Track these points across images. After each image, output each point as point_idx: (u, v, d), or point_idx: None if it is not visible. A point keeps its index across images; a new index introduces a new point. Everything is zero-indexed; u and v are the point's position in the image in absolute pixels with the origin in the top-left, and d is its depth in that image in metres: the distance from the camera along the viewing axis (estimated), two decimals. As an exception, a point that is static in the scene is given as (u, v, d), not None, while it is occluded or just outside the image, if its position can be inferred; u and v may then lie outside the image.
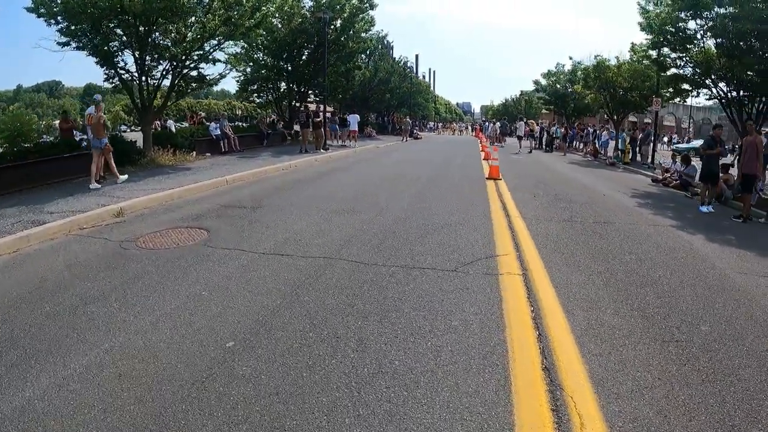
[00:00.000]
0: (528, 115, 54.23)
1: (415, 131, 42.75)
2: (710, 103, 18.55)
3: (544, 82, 39.62)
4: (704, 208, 11.15)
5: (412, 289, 5.03)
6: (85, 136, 14.23)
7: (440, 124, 74.76)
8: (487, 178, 14.40)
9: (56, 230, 7.65)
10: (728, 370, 3.64)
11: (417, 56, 52.69)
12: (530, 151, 29.27)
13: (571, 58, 47.54)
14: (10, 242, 6.90)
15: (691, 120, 58.95)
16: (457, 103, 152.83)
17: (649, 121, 28.10)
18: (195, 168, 14.62)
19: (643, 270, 5.95)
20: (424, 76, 62.95)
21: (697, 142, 42.28)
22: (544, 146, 32.31)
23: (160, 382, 3.36)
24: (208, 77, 16.11)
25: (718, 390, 3.36)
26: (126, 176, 11.77)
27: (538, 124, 37.05)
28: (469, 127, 78.72)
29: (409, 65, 49.91)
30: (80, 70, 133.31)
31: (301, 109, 24.33)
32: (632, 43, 25.75)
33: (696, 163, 15.51)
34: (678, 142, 45.82)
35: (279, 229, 7.69)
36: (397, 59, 46.34)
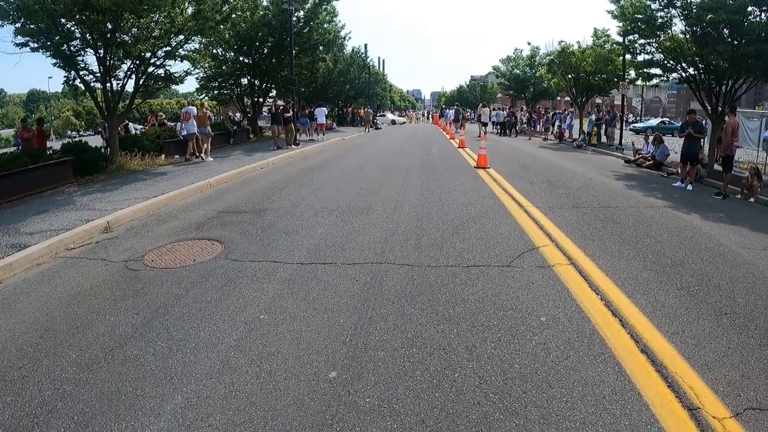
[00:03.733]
0: (484, 100, 54.34)
1: (376, 121, 42.11)
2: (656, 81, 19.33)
3: (503, 68, 39.65)
4: (679, 184, 12.00)
5: (481, 288, 4.82)
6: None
7: (396, 113, 74.11)
8: (475, 167, 14.15)
9: (41, 254, 6.62)
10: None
11: (366, 45, 51.81)
12: (499, 135, 29.13)
13: (529, 44, 48.03)
14: (-9, 273, 5.89)
15: (641, 99, 60.63)
16: (408, 91, 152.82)
17: (618, 103, 28.40)
18: (170, 172, 13.49)
19: (666, 251, 6.15)
20: (374, 65, 62.29)
21: (654, 121, 43.50)
22: (507, 131, 32.51)
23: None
24: (174, 75, 14.94)
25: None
26: (212, 158, 16.42)
27: (494, 110, 37.09)
28: (426, 115, 78.47)
29: (360, 54, 48.99)
30: (22, 76, 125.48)
31: (280, 106, 23.22)
32: (595, 28, 26.32)
33: (667, 143, 16.09)
34: (634, 122, 46.88)
35: (301, 234, 7.00)
36: (353, 49, 45.45)
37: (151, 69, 14.10)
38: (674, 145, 18.21)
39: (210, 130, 16.85)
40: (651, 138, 16.98)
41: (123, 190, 10.72)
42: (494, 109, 36.14)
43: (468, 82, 78.47)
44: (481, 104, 35.23)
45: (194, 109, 16.89)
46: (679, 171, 12.80)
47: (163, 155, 16.37)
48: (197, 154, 16.53)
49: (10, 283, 5.75)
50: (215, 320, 4.26)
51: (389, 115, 59.14)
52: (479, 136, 24.15)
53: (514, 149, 21.30)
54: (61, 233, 7.30)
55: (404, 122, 59.44)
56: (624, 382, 3.24)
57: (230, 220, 8.10)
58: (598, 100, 32.79)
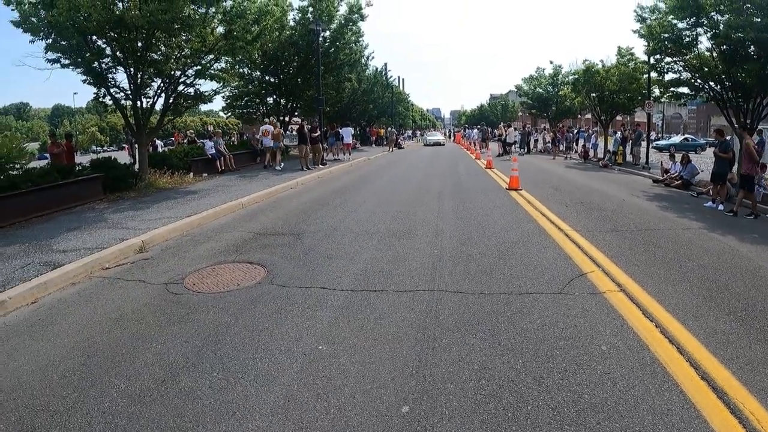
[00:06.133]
0: (505, 119, 54.16)
1: (399, 141, 42.10)
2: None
3: (525, 87, 39.51)
4: (710, 204, 11.79)
5: (538, 317, 4.71)
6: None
7: (419, 132, 73.80)
8: (508, 189, 13.89)
9: (77, 273, 6.45)
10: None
11: (385, 64, 51.82)
12: (522, 154, 29.19)
13: (551, 62, 47.88)
14: (27, 292, 5.67)
15: (662, 116, 59.95)
16: (427, 110, 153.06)
17: (642, 121, 28.07)
18: (200, 190, 13.41)
19: (709, 275, 6.02)
20: (394, 84, 62.53)
21: (677, 138, 42.90)
22: (529, 150, 32.51)
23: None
24: (204, 94, 14.96)
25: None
26: (282, 165, 19.59)
27: (516, 129, 37.01)
28: (447, 134, 77.23)
29: (383, 73, 49.24)
30: (48, 91, 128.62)
31: (307, 125, 23.35)
32: (618, 46, 26.10)
33: (695, 162, 15.79)
34: (657, 139, 46.24)
35: (345, 259, 6.77)
36: (376, 69, 45.71)
37: (181, 87, 14.13)
38: (700, 163, 17.92)
39: (282, 144, 20.17)
40: (678, 157, 16.68)
41: (155, 208, 10.61)
42: (515, 129, 36.02)
43: (488, 101, 78.25)
44: (503, 124, 35.07)
45: (271, 127, 20.75)
46: (710, 191, 12.54)
47: (191, 173, 16.35)
48: (270, 163, 20.13)
49: (45, 302, 5.58)
50: (271, 350, 4.01)
51: (436, 135, 56.18)
52: (499, 155, 23.96)
53: (541, 170, 21.00)
54: (95, 252, 7.16)
55: (440, 140, 51.74)
56: (690, 411, 3.22)
57: (269, 242, 7.89)
58: (618, 118, 32.30)
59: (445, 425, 3.02)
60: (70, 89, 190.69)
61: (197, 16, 12.33)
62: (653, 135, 50.19)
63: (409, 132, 60.93)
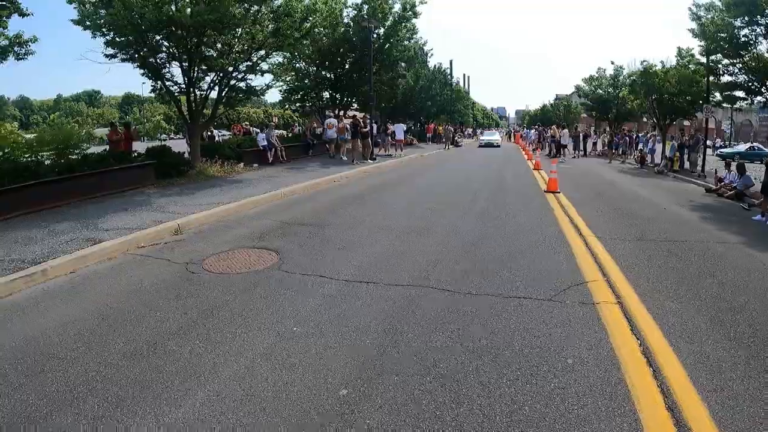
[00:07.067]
0: (567, 120, 52.89)
1: (456, 138, 42.13)
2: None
3: (585, 87, 38.52)
4: (759, 218, 10.81)
5: (515, 322, 4.65)
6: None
7: (479, 131, 73.10)
8: (545, 191, 13.77)
9: (114, 249, 7.22)
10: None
11: (451, 62, 51.57)
12: (576, 157, 28.73)
13: (612, 63, 46.23)
14: (67, 263, 6.47)
15: (731, 122, 56.80)
16: (492, 108, 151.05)
17: (710, 126, 26.89)
18: (246, 180, 14.23)
19: (727, 295, 5.56)
20: (458, 81, 61.95)
21: (743, 146, 40.67)
22: (585, 152, 32.21)
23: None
24: (255, 88, 15.77)
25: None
26: (345, 156, 21.33)
27: (576, 130, 36.29)
28: (509, 134, 75.69)
29: (443, 71, 49.23)
30: (118, 79, 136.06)
31: (359, 118, 24.12)
32: (678, 47, 24.94)
33: (751, 172, 14.74)
34: (721, 146, 43.99)
35: (355, 251, 7.12)
36: (438, 66, 45.84)
37: (233, 82, 14.95)
38: (761, 173, 16.83)
39: (347, 137, 21.45)
40: (734, 166, 15.79)
41: (199, 195, 11.42)
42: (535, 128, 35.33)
43: (552, 101, 76.45)
44: (556, 125, 34.58)
45: (335, 121, 23.42)
46: (762, 204, 11.56)
47: (242, 163, 17.22)
48: (333, 154, 22.28)
49: (81, 273, 6.34)
50: (252, 327, 4.46)
51: (493, 134, 51.20)
52: (551, 156, 23.65)
53: (589, 173, 20.56)
54: (134, 232, 7.92)
55: (494, 141, 45.06)
56: (637, 444, 3.01)
57: (292, 231, 8.41)
58: (686, 123, 31.00)
59: (373, 413, 3.19)
60: (140, 78, 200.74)
61: (241, 16, 13.03)
62: (719, 142, 47.76)
63: (469, 130, 60.50)
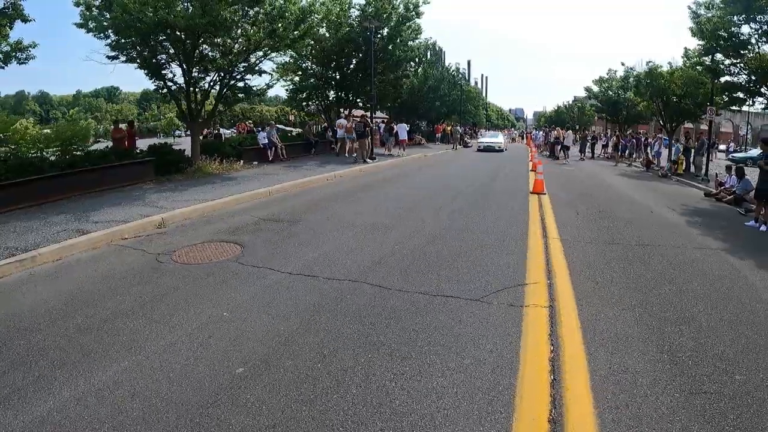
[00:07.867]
0: (581, 122, 52.78)
1: (465, 139, 42.46)
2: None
3: (595, 89, 38.57)
4: (752, 224, 10.71)
5: (431, 320, 4.81)
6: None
7: (480, 132, 73.20)
8: (531, 193, 13.95)
9: (100, 240, 8.04)
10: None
11: (469, 62, 52.53)
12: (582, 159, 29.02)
13: (623, 64, 45.90)
14: (55, 251, 7.31)
15: (749, 126, 55.89)
16: (510, 109, 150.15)
17: (705, 128, 26.77)
18: (240, 177, 15.03)
19: (681, 303, 5.42)
20: (476, 82, 62.04)
21: (755, 151, 40.16)
22: (593, 155, 32.67)
23: (167, 405, 3.48)
24: (254, 88, 16.54)
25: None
26: (354, 155, 21.82)
27: (584, 132, 36.56)
28: (522, 135, 75.60)
29: (461, 71, 49.53)
30: (137, 76, 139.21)
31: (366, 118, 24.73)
32: (685, 48, 24.63)
33: (751, 177, 14.47)
34: (735, 151, 43.49)
35: (311, 246, 7.66)
36: (447, 66, 46.14)
37: (231, 82, 15.72)
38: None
39: (355, 137, 21.95)
40: (733, 169, 15.89)
41: (191, 191, 12.24)
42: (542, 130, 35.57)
43: (568, 103, 76.07)
44: (561, 127, 34.89)
45: (345, 121, 24.72)
46: (755, 209, 11.37)
47: (241, 161, 18.01)
48: (339, 153, 23.85)
49: (66, 260, 7.18)
50: (189, 311, 5.17)
51: (495, 136, 46.53)
52: (550, 157, 23.87)
53: (591, 175, 20.82)
54: (120, 224, 8.76)
55: (495, 145, 37.44)
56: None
57: (264, 227, 9.07)
58: (702, 126, 30.76)
59: (257, 391, 3.59)
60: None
61: (233, 19, 13.78)
62: (732, 146, 47.16)
63: (482, 131, 60.55)
